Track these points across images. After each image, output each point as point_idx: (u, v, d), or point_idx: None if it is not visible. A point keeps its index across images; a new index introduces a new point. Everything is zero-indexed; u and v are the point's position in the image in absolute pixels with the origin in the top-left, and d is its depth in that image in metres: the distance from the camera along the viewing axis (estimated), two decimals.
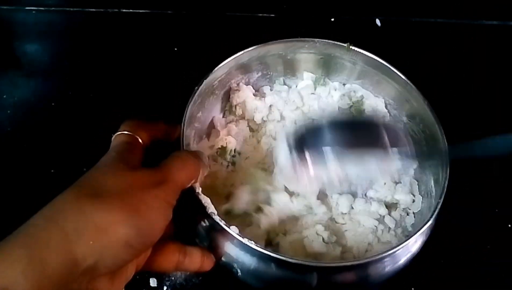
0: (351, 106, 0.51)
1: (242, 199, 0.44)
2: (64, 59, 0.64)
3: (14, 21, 0.68)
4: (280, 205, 0.44)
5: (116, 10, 0.69)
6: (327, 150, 0.39)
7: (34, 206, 0.51)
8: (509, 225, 0.52)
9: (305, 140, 0.40)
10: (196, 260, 0.36)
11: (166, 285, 0.46)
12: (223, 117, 0.51)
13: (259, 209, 0.44)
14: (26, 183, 0.52)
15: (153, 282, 0.46)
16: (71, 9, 0.69)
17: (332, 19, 0.70)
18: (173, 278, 0.46)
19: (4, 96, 0.60)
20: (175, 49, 0.65)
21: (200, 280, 0.46)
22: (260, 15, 0.70)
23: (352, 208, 0.46)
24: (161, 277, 0.46)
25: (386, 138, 0.40)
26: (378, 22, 0.70)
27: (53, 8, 0.69)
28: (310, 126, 0.42)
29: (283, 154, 0.41)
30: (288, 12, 0.71)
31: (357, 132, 0.41)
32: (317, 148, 0.39)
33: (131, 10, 0.69)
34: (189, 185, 0.37)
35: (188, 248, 0.36)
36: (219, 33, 0.67)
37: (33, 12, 0.69)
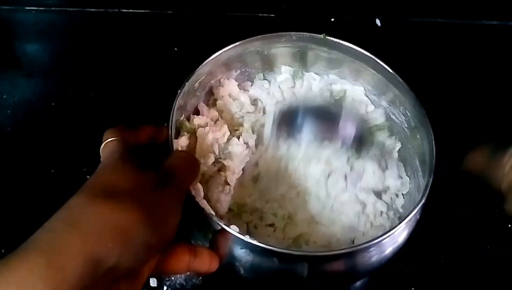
0: (333, 103, 0.52)
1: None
2: (64, 59, 0.64)
3: (14, 21, 0.69)
4: (239, 156, 0.47)
5: (116, 10, 0.69)
6: (299, 136, 0.46)
7: (34, 206, 0.51)
8: (509, 225, 0.52)
9: (288, 118, 0.47)
10: (205, 260, 0.36)
11: (166, 285, 0.46)
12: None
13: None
14: (26, 183, 0.52)
15: (153, 282, 0.46)
16: (71, 9, 0.69)
17: (332, 19, 0.70)
18: (173, 278, 0.46)
19: (4, 96, 0.60)
20: (175, 49, 0.65)
21: (200, 280, 0.46)
22: (260, 15, 0.70)
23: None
24: (161, 277, 0.46)
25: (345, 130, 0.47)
26: (378, 22, 0.70)
27: (53, 8, 0.69)
28: (295, 108, 0.49)
29: (268, 127, 0.48)
30: (288, 12, 0.71)
31: (328, 122, 0.48)
32: (294, 129, 0.47)
33: (131, 10, 0.69)
34: (191, 185, 0.37)
35: (197, 249, 0.36)
36: (219, 33, 0.67)
37: (33, 12, 0.69)
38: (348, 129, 0.47)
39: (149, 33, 0.67)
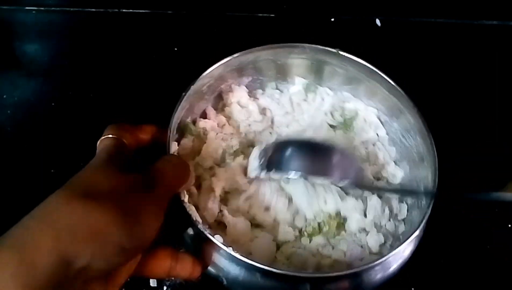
0: (342, 122, 0.51)
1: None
2: (64, 59, 0.64)
3: (14, 21, 0.68)
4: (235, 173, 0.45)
5: (116, 10, 0.69)
6: (291, 173, 0.42)
7: (34, 206, 0.51)
8: (509, 225, 0.52)
9: (275, 159, 0.43)
10: (187, 266, 0.36)
11: (166, 285, 0.46)
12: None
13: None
14: (26, 183, 0.52)
15: (153, 283, 0.46)
16: (71, 9, 0.69)
17: (332, 19, 0.70)
18: (172, 279, 0.46)
19: (4, 96, 0.60)
20: (175, 49, 0.65)
21: (199, 280, 0.46)
22: (260, 15, 0.70)
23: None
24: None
25: (340, 169, 0.43)
26: (378, 22, 0.70)
27: (53, 8, 0.69)
28: (281, 146, 0.45)
29: (253, 170, 0.44)
30: (288, 12, 0.71)
31: (320, 157, 0.44)
32: (283, 168, 0.43)
33: (131, 10, 0.69)
34: (179, 190, 0.37)
35: (179, 254, 0.36)
36: (219, 33, 0.67)
37: (33, 12, 0.69)
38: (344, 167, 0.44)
39: (149, 33, 0.67)
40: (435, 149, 0.43)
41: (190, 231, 0.38)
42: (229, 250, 0.35)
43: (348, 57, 0.48)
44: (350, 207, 0.45)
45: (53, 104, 0.59)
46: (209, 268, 0.38)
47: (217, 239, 0.36)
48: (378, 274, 0.38)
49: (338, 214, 0.44)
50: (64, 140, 0.55)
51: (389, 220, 0.46)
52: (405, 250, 0.40)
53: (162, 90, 0.59)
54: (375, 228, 0.45)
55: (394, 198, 0.47)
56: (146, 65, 0.63)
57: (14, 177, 0.52)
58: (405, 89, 0.46)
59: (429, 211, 0.39)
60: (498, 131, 0.60)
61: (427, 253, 0.48)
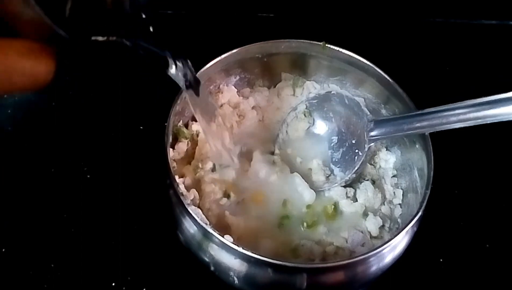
0: None
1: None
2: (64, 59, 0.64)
3: None
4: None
5: None
6: None
7: (34, 205, 0.51)
8: (509, 225, 0.52)
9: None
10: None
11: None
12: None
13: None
14: (26, 183, 0.52)
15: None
16: None
17: (332, 19, 0.70)
18: None
19: (4, 96, 0.60)
20: None
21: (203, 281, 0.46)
22: (260, 15, 0.70)
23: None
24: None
25: None
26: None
27: None
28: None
29: None
30: (288, 12, 0.71)
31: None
32: None
33: None
34: None
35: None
36: (219, 33, 0.67)
37: None
38: None
39: None
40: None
41: (197, 233, 0.38)
42: (240, 249, 0.36)
43: (334, 49, 0.49)
44: (334, 193, 0.47)
45: (53, 104, 0.59)
46: (219, 269, 0.38)
47: (227, 240, 0.36)
48: (373, 266, 0.39)
49: (330, 200, 0.47)
50: (64, 140, 0.55)
51: (383, 204, 0.47)
52: (402, 240, 0.40)
53: (162, 90, 0.59)
54: (371, 212, 0.46)
55: (386, 183, 0.48)
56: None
57: (14, 177, 0.52)
58: (397, 81, 0.47)
59: (428, 192, 0.40)
60: (496, 129, 0.60)
61: (426, 251, 0.49)
